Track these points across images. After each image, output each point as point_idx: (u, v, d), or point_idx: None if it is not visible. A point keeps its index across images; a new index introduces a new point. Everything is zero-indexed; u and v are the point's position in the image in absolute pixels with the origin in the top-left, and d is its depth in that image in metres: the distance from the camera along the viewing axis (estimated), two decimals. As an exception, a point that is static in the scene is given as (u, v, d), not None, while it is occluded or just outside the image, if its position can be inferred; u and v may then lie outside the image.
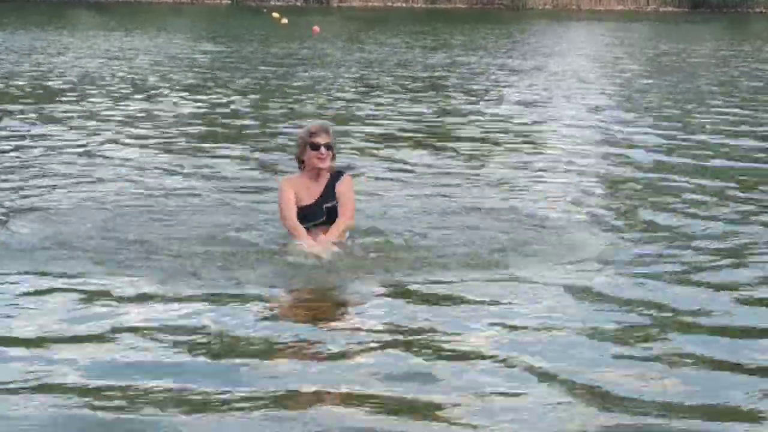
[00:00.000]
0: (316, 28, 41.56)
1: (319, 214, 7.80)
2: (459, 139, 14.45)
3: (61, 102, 18.14)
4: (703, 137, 14.86)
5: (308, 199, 7.78)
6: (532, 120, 16.85)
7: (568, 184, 11.17)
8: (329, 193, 7.84)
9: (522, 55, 30.90)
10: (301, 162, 7.88)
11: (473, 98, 19.38)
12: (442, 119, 16.69)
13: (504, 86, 21.76)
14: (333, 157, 7.82)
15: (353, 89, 20.97)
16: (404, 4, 65.31)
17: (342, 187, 7.81)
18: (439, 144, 13.98)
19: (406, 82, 22.23)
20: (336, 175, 7.91)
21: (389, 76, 23.79)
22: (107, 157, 12.28)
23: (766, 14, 62.09)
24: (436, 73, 24.51)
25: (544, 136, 15.17)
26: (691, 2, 65.51)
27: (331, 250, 7.65)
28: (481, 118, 16.66)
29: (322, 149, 7.64)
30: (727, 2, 65.14)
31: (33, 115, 16.11)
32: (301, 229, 7.75)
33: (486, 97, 19.74)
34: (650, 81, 23.47)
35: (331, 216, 7.80)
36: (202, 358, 5.67)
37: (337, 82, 22.35)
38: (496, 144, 14.19)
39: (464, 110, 17.83)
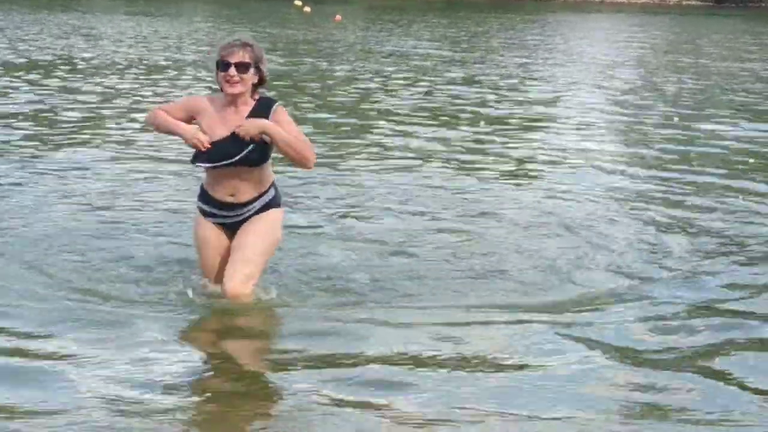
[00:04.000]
0: (338, 17, 41.61)
1: (233, 152, 6.00)
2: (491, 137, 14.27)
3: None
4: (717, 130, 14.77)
5: (221, 131, 6.02)
6: (557, 111, 16.74)
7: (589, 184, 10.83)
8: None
9: (547, 48, 30.76)
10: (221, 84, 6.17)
11: (501, 93, 19.17)
12: (464, 106, 16.53)
13: (528, 79, 21.55)
14: (261, 83, 6.14)
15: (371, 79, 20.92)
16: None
17: (277, 117, 6.10)
18: (463, 130, 13.92)
19: (428, 74, 22.15)
20: (264, 104, 6.15)
21: (409, 65, 23.74)
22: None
23: None
24: (461, 64, 24.43)
25: (568, 123, 15.18)
26: None
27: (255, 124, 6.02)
28: (508, 110, 16.58)
29: (231, 69, 5.94)
30: None
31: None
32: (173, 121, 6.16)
33: (513, 89, 19.60)
34: (670, 76, 23.24)
35: (254, 157, 6.06)
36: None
37: (357, 71, 22.35)
38: (527, 136, 14.05)
39: (492, 102, 17.72)
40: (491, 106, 17.09)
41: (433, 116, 15.65)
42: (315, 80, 20.26)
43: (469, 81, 20.80)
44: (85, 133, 13.35)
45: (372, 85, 19.73)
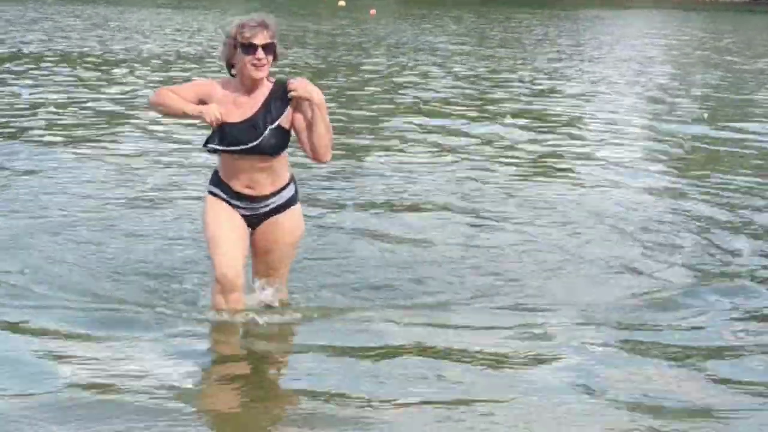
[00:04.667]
0: (373, 11, 41.58)
1: (251, 137, 5.57)
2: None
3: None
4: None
5: (237, 116, 5.59)
6: (591, 107, 16.62)
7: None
8: (271, 110, 5.64)
9: (579, 44, 30.62)
10: (230, 66, 5.70)
11: (530, 89, 19.08)
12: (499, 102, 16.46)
13: (559, 76, 21.43)
14: (275, 59, 5.67)
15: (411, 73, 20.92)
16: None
17: (302, 114, 5.68)
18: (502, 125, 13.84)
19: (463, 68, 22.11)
20: (282, 87, 5.68)
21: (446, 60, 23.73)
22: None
23: None
24: (493, 58, 24.37)
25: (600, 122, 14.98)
26: None
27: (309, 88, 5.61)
28: (545, 105, 16.48)
29: (260, 52, 5.49)
30: None
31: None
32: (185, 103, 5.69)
33: (543, 85, 19.45)
34: (703, 73, 23.09)
35: (272, 144, 5.62)
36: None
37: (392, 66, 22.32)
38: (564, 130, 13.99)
39: (527, 96, 17.64)
40: (522, 101, 17.03)
41: (462, 110, 15.57)
42: (344, 74, 20.19)
43: (498, 76, 20.72)
44: (113, 125, 13.36)
45: (400, 80, 19.64)
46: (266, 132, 5.58)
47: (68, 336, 5.67)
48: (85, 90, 16.82)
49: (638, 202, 9.78)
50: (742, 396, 5.22)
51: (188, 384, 5.20)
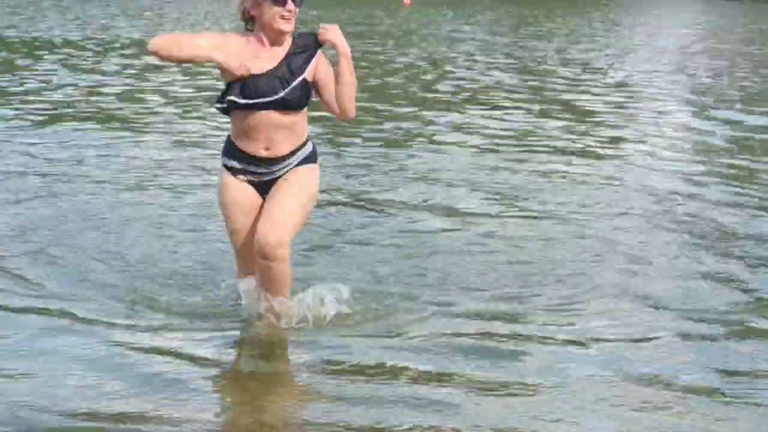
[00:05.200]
0: (408, 1, 41.49)
1: (271, 91, 5.29)
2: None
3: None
4: None
5: (257, 68, 5.30)
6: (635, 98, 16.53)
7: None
8: (292, 65, 5.36)
9: (612, 35, 30.44)
10: (249, 20, 5.41)
11: (560, 79, 19.04)
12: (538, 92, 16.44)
13: (589, 68, 21.36)
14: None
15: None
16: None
17: (321, 60, 5.44)
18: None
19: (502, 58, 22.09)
20: (304, 44, 5.43)
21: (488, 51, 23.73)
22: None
23: None
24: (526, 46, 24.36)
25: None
26: None
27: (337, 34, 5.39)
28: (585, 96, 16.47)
29: (290, 4, 5.25)
30: None
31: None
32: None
33: (571, 76, 19.43)
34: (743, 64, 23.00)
35: (296, 98, 5.34)
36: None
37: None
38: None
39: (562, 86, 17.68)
40: (558, 91, 17.04)
41: (498, 100, 15.61)
42: (375, 63, 20.24)
43: (533, 65, 20.76)
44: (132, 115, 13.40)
45: (433, 70, 19.69)
46: (294, 83, 5.31)
47: (96, 322, 5.71)
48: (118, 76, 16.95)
49: (678, 191, 9.73)
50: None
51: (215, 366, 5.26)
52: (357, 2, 41.17)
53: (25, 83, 15.78)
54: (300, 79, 5.29)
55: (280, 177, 5.49)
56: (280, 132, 5.39)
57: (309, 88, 5.37)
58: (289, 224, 5.39)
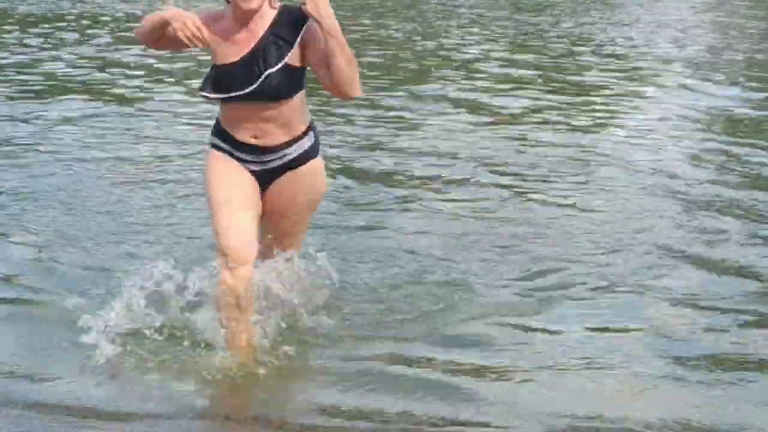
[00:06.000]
0: None
1: (243, 83, 4.68)
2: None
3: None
4: None
5: (232, 54, 4.71)
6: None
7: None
8: (268, 51, 4.71)
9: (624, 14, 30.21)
10: None
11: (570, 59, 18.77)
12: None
13: (605, 44, 21.14)
14: None
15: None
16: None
17: (313, 33, 4.67)
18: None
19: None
20: (291, 16, 4.73)
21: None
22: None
23: None
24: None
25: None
26: None
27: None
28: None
29: None
30: None
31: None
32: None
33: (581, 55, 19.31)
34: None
35: (277, 85, 4.71)
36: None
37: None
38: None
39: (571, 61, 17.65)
40: (563, 68, 16.99)
41: (487, 75, 15.66)
42: (374, 38, 20.10)
43: (536, 43, 20.67)
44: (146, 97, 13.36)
45: (433, 44, 19.66)
46: (267, 72, 4.65)
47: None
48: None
49: (682, 171, 9.77)
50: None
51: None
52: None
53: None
54: (277, 67, 4.65)
55: (278, 167, 4.93)
56: (269, 122, 4.81)
57: (297, 72, 4.74)
58: (297, 235, 5.22)
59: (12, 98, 12.48)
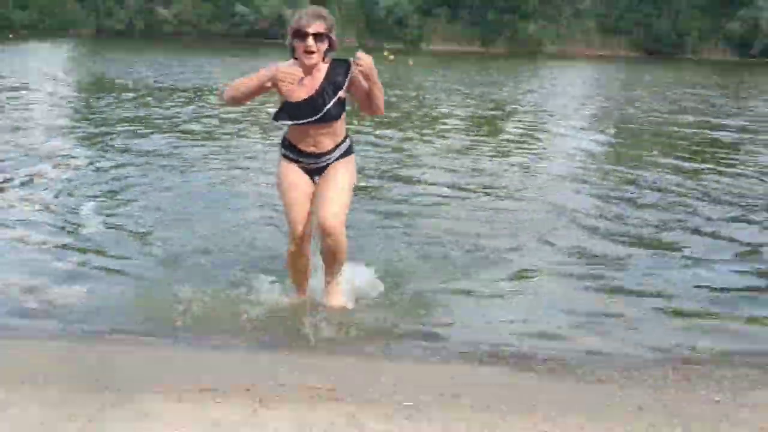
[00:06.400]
0: (391, 57, 38.32)
1: (315, 111, 4.75)
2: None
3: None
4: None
5: (303, 93, 4.74)
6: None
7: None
8: (330, 86, 4.75)
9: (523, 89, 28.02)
10: (292, 51, 4.76)
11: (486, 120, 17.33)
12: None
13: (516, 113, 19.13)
14: (331, 49, 4.75)
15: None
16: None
17: (355, 77, 4.77)
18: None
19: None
20: (338, 66, 4.77)
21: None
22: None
23: (695, 60, 57.59)
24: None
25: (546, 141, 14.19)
26: (646, 50, 62.83)
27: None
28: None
29: (309, 40, 4.60)
30: (663, 50, 60.82)
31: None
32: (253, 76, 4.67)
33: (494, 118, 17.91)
34: (611, 107, 21.27)
35: (333, 114, 4.77)
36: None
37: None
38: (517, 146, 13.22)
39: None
40: (491, 119, 16.70)
41: (451, 126, 15.23)
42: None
43: (478, 107, 19.87)
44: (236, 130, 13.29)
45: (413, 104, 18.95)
46: (328, 106, 4.72)
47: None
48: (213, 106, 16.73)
49: (575, 178, 9.90)
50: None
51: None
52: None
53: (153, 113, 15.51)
54: (334, 100, 4.74)
55: (326, 166, 4.96)
56: (323, 135, 4.86)
57: (343, 102, 4.82)
58: (342, 206, 4.88)
59: (155, 133, 12.47)
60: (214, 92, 20.00)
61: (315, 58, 4.61)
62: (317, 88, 4.69)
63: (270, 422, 3.39)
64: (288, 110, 4.72)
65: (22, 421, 3.31)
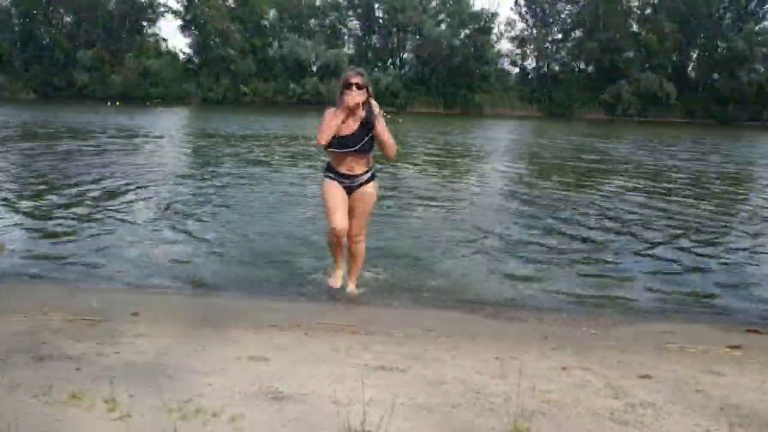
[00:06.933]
0: (400, 120, 31.27)
1: (355, 143, 4.52)
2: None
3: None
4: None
5: (347, 130, 4.52)
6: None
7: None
8: (366, 126, 4.55)
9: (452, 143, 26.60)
10: (340, 99, 4.49)
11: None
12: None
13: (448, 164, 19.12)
14: (368, 95, 4.47)
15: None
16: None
17: (378, 116, 4.50)
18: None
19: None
20: (370, 111, 4.52)
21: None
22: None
23: (580, 119, 54.69)
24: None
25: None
26: (549, 112, 60.27)
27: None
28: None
29: (354, 88, 4.41)
30: (558, 112, 58.50)
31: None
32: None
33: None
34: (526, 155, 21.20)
35: (366, 148, 4.55)
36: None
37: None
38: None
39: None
40: (451, 156, 15.79)
41: (425, 162, 14.44)
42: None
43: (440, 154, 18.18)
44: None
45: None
46: (364, 141, 4.51)
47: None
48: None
49: (507, 193, 9.55)
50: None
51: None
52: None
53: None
54: (369, 136, 4.53)
55: (357, 185, 4.64)
56: (358, 162, 4.60)
57: (373, 140, 4.57)
58: (364, 224, 4.74)
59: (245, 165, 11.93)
60: (287, 138, 19.03)
61: (358, 98, 4.36)
62: (357, 126, 4.51)
63: (311, 346, 3.51)
64: (336, 141, 4.50)
65: (157, 343, 3.45)
